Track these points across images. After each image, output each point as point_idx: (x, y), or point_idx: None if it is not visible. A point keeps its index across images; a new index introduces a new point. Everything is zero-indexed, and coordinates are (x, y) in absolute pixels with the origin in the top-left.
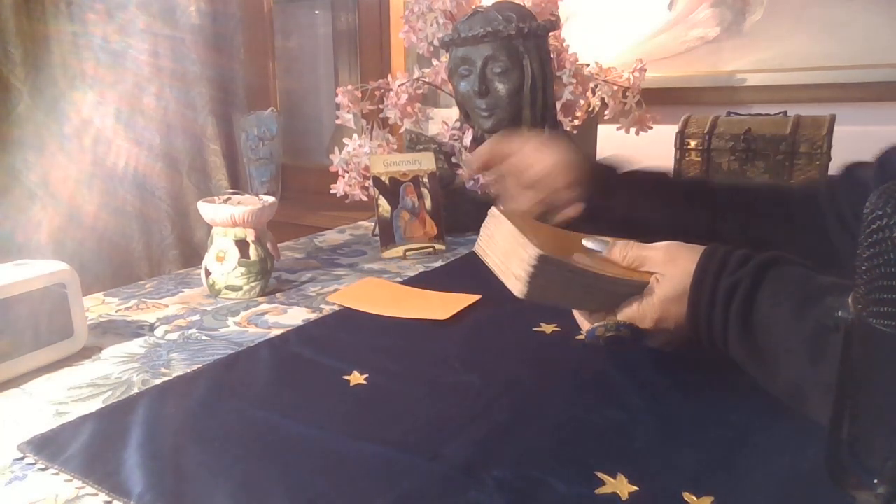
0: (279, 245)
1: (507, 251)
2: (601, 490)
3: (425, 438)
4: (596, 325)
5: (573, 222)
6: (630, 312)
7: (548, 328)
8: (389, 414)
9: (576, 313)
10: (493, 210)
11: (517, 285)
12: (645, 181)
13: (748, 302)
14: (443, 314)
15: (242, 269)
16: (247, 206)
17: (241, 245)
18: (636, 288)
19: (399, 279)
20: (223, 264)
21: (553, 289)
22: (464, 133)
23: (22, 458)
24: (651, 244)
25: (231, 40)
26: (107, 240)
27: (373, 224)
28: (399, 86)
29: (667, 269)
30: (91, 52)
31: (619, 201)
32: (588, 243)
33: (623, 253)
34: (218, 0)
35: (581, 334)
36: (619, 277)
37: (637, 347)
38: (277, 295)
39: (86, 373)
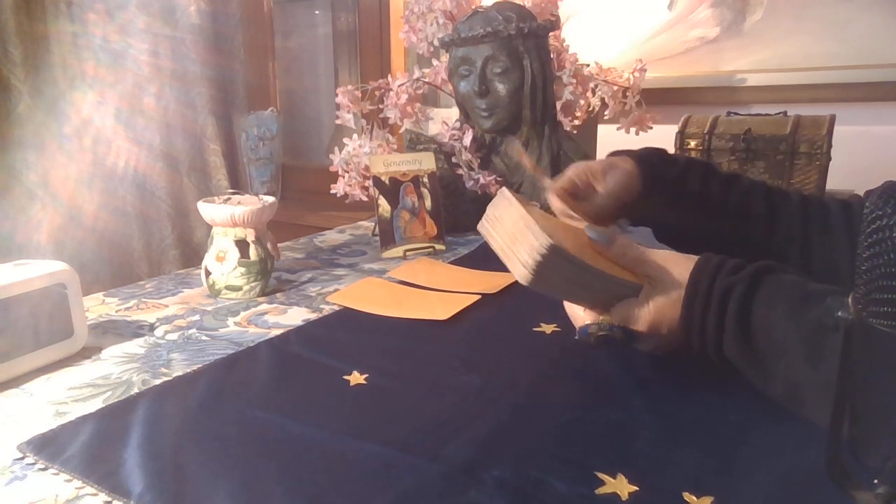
0: (279, 245)
1: (514, 235)
2: (601, 490)
3: (425, 438)
4: (588, 323)
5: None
6: (624, 314)
7: (548, 328)
8: (389, 414)
9: (568, 311)
10: (505, 191)
11: (523, 272)
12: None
13: (744, 304)
14: (443, 314)
15: (242, 269)
16: (247, 206)
17: (241, 245)
18: (634, 290)
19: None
20: (223, 264)
21: (555, 280)
22: (464, 133)
23: (22, 458)
24: (650, 249)
25: (231, 40)
26: (107, 240)
27: (373, 224)
28: (399, 86)
29: (662, 274)
30: (91, 52)
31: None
32: (591, 233)
33: (622, 251)
34: (218, 0)
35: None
36: (620, 277)
37: (628, 349)
38: (277, 295)
39: (86, 373)
